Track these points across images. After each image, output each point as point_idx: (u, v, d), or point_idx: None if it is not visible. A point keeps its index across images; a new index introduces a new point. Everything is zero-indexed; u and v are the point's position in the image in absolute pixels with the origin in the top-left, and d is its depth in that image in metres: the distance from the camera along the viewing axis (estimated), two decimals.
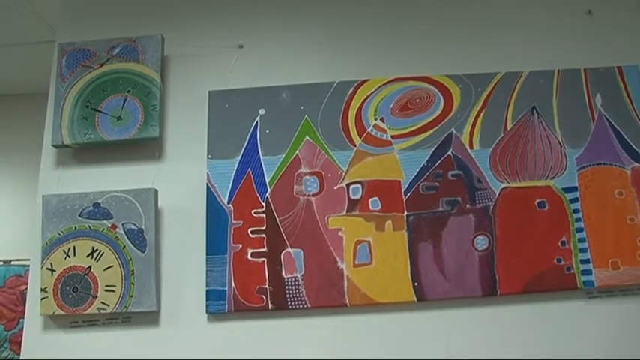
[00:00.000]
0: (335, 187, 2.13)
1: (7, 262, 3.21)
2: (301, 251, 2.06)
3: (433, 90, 2.23)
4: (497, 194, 2.11)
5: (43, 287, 2.06)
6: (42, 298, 2.06)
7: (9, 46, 3.18)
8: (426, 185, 2.12)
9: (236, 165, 2.15)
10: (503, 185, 2.11)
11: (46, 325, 2.10)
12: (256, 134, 2.19)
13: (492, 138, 2.17)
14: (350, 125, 2.20)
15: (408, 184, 2.12)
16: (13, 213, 3.40)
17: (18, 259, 3.19)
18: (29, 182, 3.33)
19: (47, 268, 2.07)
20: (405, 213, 2.09)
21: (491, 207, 2.09)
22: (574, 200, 2.09)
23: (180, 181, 2.18)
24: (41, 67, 2.84)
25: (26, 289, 3.17)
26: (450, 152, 2.15)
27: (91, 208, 2.10)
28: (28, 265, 3.16)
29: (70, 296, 2.05)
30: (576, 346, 1.99)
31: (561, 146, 2.15)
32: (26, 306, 2.13)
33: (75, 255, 2.07)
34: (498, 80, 2.22)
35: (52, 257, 2.07)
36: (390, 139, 2.17)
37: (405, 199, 2.10)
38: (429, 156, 2.15)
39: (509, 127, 2.17)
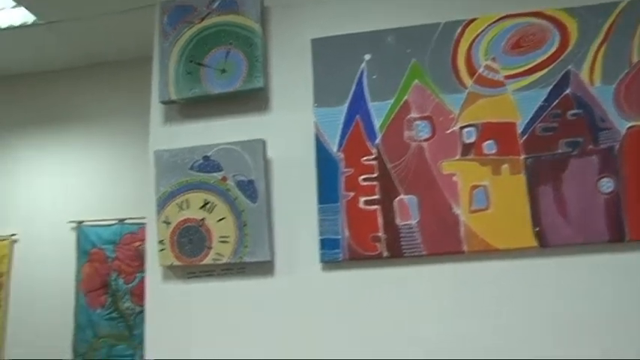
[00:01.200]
0: (447, 131, 2.05)
1: (121, 221, 3.33)
2: (415, 198, 2.00)
3: (547, 25, 2.09)
4: (622, 133, 1.97)
5: (160, 240, 2.10)
6: (160, 250, 2.10)
7: (113, 14, 3.25)
8: (543, 126, 2.00)
9: (344, 112, 2.10)
10: (629, 124, 1.97)
11: (166, 276, 2.14)
12: (363, 80, 2.13)
13: (616, 73, 2.02)
14: (460, 67, 2.10)
15: (524, 125, 2.01)
16: (124, 175, 3.51)
17: (131, 218, 3.30)
18: (137, 145, 3.43)
19: (163, 222, 2.10)
20: (523, 156, 1.99)
21: (617, 147, 1.96)
22: None
23: (288, 131, 2.16)
24: (144, 31, 2.88)
25: (140, 245, 3.29)
26: (568, 90, 2.02)
27: (201, 161, 2.11)
28: (141, 223, 3.29)
29: (187, 248, 2.08)
30: None
31: None
32: (146, 258, 2.17)
33: (188, 208, 2.09)
34: (621, 10, 2.06)
35: (166, 210, 2.11)
36: (503, 79, 2.06)
37: (521, 141, 2.00)
38: (545, 95, 2.03)
39: (635, 60, 2.02)
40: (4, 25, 3.32)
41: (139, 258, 3.30)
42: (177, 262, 2.08)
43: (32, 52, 3.69)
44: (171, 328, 2.13)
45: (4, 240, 3.69)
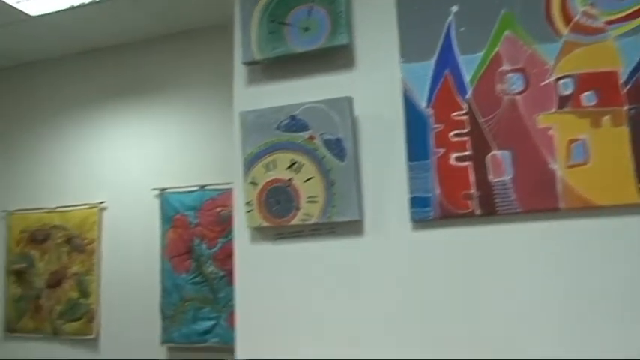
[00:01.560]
0: (542, 83, 1.95)
1: (202, 188, 3.38)
2: (508, 153, 1.92)
3: None
4: None
5: (247, 201, 2.10)
6: (247, 212, 2.11)
7: None
8: None
9: (432, 67, 2.03)
10: None
11: (253, 237, 2.15)
12: (451, 33, 2.05)
13: None
14: (554, 14, 1.99)
15: (627, 74, 1.89)
16: (205, 142, 3.55)
17: (212, 184, 3.34)
18: (216, 112, 3.46)
19: (250, 183, 2.11)
20: (626, 106, 1.87)
21: None
22: None
23: (375, 88, 2.11)
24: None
25: (221, 210, 3.34)
26: None
27: (288, 120, 2.09)
28: (222, 189, 3.34)
29: (274, 208, 2.07)
30: None
31: None
32: (234, 220, 2.19)
33: (275, 168, 2.09)
34: None
35: (253, 172, 2.11)
36: (603, 25, 1.94)
37: (624, 91, 1.88)
38: None
39: None
40: (87, 1, 3.39)
41: (221, 223, 3.35)
42: (265, 224, 2.08)
43: (113, 25, 3.76)
44: (260, 290, 2.15)
45: (93, 208, 3.82)
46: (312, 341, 2.06)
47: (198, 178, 3.48)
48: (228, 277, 3.31)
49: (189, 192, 3.49)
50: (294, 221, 2.05)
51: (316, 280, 2.08)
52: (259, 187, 2.09)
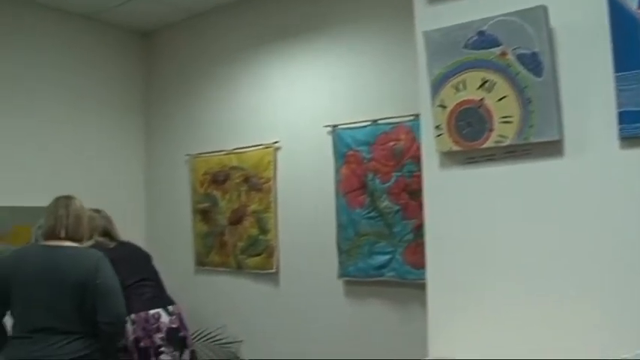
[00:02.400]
0: None
1: (374, 122, 3.35)
2: None
3: None
4: None
5: (436, 125, 2.03)
6: (437, 136, 2.03)
7: None
8: None
9: None
10: None
11: (443, 162, 2.08)
12: None
13: None
14: None
15: None
16: (376, 75, 3.49)
17: (384, 118, 3.30)
18: (386, 44, 3.38)
19: (438, 105, 2.03)
20: None
21: None
22: None
23: None
24: None
25: (395, 144, 3.30)
26: None
27: (476, 37, 1.97)
28: (395, 123, 3.28)
29: (465, 131, 1.99)
30: None
31: None
32: (422, 145, 2.13)
33: (465, 88, 1.99)
34: None
35: (442, 94, 2.02)
36: None
37: None
38: None
39: None
40: None
41: (394, 157, 3.30)
42: (455, 148, 2.00)
43: None
44: (450, 218, 2.09)
45: (268, 147, 3.94)
46: (505, 273, 1.98)
47: (369, 112, 3.44)
48: (403, 211, 3.28)
49: (361, 127, 3.46)
50: (487, 144, 1.95)
51: (510, 206, 1.98)
52: (448, 109, 2.00)
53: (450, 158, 2.06)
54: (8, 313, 2.81)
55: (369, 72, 3.48)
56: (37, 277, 2.69)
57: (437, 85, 2.01)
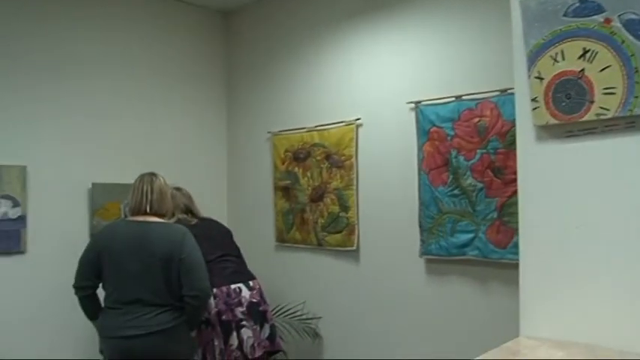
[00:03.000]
0: None
1: (458, 98, 3.28)
2: None
3: None
4: None
5: (533, 97, 1.96)
6: (533, 109, 1.96)
7: None
8: None
9: None
10: None
11: (539, 136, 2.01)
12: None
13: None
14: None
15: None
16: (459, 50, 3.41)
17: (468, 94, 3.23)
18: (473, 18, 3.29)
19: (535, 77, 1.95)
20: None
21: None
22: None
23: None
24: None
25: (479, 121, 3.22)
26: None
27: (577, 4, 1.87)
28: (479, 99, 3.20)
29: (564, 104, 1.90)
30: None
31: None
32: (516, 119, 2.06)
33: (564, 59, 1.90)
34: None
35: (538, 65, 1.94)
36: None
37: None
38: None
39: None
40: None
41: (479, 134, 3.22)
42: (553, 121, 1.92)
43: None
44: (546, 195, 2.01)
45: (350, 124, 3.92)
46: (604, 253, 1.89)
47: (453, 88, 3.37)
48: (487, 189, 3.21)
49: (445, 103, 3.40)
50: (587, 117, 1.86)
51: (611, 182, 1.88)
52: (546, 81, 1.92)
53: (546, 132, 1.98)
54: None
55: (454, 47, 3.41)
56: (128, 251, 2.86)
57: (533, 57, 1.94)
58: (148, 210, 2.98)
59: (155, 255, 2.85)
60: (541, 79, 1.92)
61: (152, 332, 2.76)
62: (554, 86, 1.90)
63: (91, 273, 2.94)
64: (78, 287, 2.97)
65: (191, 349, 3.04)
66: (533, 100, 1.94)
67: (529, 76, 1.95)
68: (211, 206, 3.85)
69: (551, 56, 1.91)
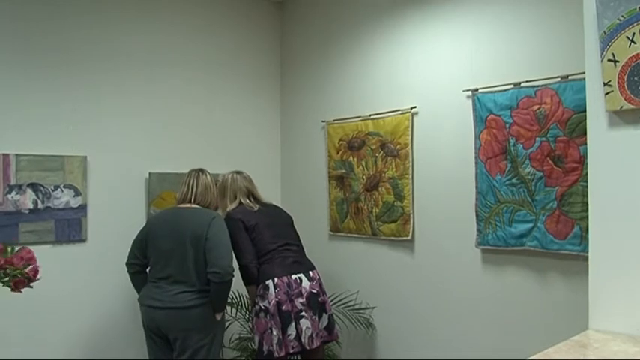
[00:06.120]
0: None
1: (517, 85, 3.20)
2: None
3: None
4: None
5: (606, 81, 1.89)
6: (606, 93, 1.89)
7: None
8: None
9: None
10: None
11: (612, 122, 1.94)
12: None
13: None
14: None
15: None
16: (517, 37, 3.31)
17: (527, 80, 3.15)
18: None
19: (608, 60, 1.88)
20: None
21: None
22: None
23: None
24: None
25: (538, 108, 3.13)
26: None
27: None
28: (538, 86, 3.11)
29: (639, 88, 1.82)
30: None
31: None
32: (587, 103, 1.99)
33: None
34: None
35: (612, 47, 1.87)
36: None
37: None
38: None
39: None
40: None
41: (538, 122, 3.14)
42: (628, 106, 1.85)
43: None
44: (619, 183, 1.94)
45: (405, 113, 3.87)
46: None
47: (511, 75, 3.28)
48: (547, 178, 3.12)
49: (502, 90, 3.31)
50: None
51: None
52: (621, 64, 1.85)
53: (620, 117, 1.91)
54: None
55: (511, 33, 3.32)
56: (164, 232, 3.25)
57: (607, 39, 1.86)
58: (192, 200, 3.38)
59: (184, 235, 3.19)
60: (615, 61, 1.85)
61: (168, 307, 3.11)
62: (630, 69, 1.83)
63: (138, 252, 3.35)
64: (128, 264, 3.38)
65: (211, 330, 3.23)
66: (606, 84, 1.87)
67: (602, 59, 1.88)
68: (265, 196, 3.86)
69: (627, 37, 1.83)
